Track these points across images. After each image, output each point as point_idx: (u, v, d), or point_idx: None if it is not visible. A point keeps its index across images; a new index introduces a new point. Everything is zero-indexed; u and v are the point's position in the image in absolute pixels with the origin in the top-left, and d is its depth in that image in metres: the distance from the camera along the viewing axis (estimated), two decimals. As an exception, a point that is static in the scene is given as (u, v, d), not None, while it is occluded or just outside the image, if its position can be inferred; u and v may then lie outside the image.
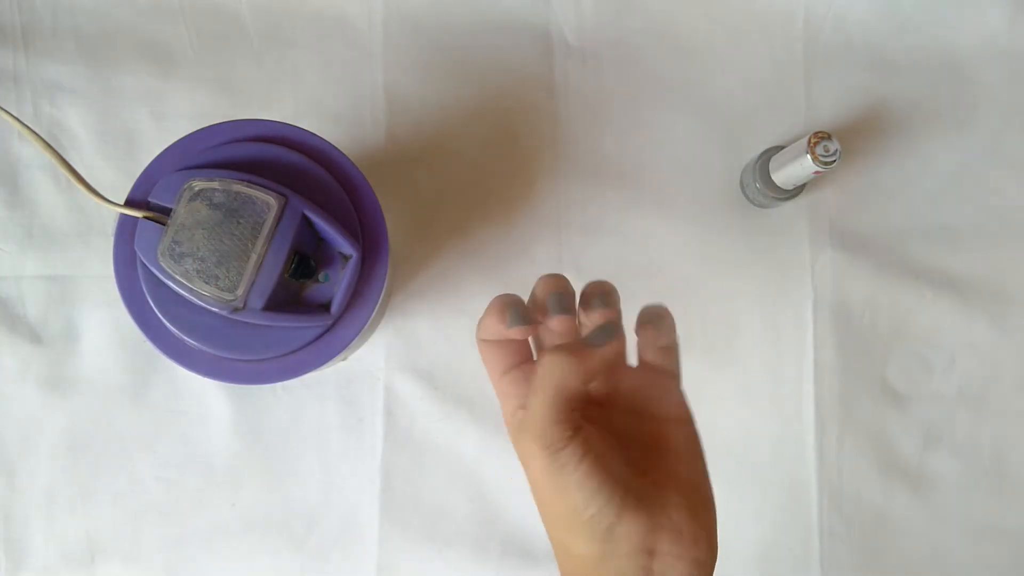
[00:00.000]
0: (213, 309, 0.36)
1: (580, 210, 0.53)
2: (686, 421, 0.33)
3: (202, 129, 0.39)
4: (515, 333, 0.31)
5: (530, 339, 0.34)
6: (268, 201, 0.35)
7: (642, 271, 0.52)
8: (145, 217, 0.36)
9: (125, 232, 0.37)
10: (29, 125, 0.46)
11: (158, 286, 0.37)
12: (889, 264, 0.53)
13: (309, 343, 0.38)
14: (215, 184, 0.35)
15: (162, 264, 0.34)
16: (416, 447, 0.51)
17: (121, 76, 0.51)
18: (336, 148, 0.40)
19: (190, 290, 0.35)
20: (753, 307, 0.53)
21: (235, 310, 0.35)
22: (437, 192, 0.52)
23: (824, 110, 0.54)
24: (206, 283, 0.34)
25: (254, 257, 0.35)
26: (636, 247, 0.53)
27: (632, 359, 0.34)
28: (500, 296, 0.32)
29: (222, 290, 0.34)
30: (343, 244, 0.37)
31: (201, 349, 0.37)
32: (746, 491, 0.52)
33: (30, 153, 0.51)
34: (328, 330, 0.38)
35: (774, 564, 0.52)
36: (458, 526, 0.51)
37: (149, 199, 0.36)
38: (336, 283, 0.38)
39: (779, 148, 0.51)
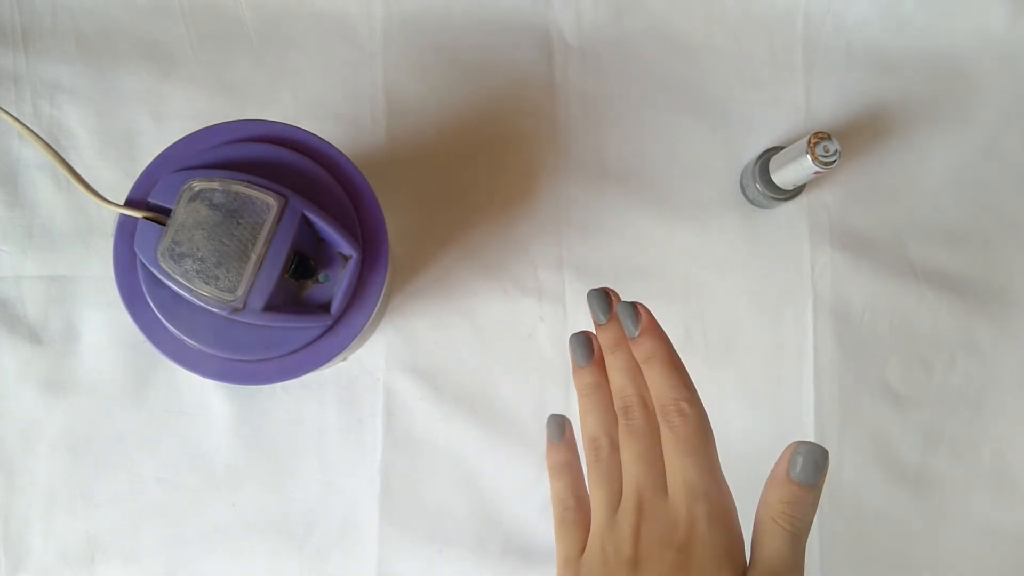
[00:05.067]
0: (213, 310, 0.36)
1: (580, 210, 0.53)
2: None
3: (202, 129, 0.39)
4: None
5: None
6: (268, 201, 0.35)
7: (642, 271, 0.52)
8: (145, 217, 0.36)
9: (125, 232, 0.37)
10: (29, 125, 0.47)
11: (158, 286, 0.37)
12: (889, 264, 0.53)
13: (309, 343, 0.38)
14: (215, 184, 0.35)
15: (162, 264, 0.34)
16: (416, 447, 0.51)
17: (121, 76, 0.51)
18: (336, 148, 0.40)
19: (190, 291, 0.35)
20: (753, 307, 0.53)
21: (235, 310, 0.35)
22: (437, 192, 0.52)
23: (824, 110, 0.54)
24: (206, 283, 0.34)
25: (254, 257, 0.35)
26: (636, 247, 0.53)
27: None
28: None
29: (222, 290, 0.34)
30: (343, 244, 0.37)
31: (201, 349, 0.37)
32: (746, 491, 0.52)
33: (30, 153, 0.51)
34: (328, 330, 0.38)
35: (774, 564, 0.52)
36: (458, 526, 0.51)
37: (149, 199, 0.36)
38: (336, 283, 0.38)
39: (779, 148, 0.51)
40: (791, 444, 0.33)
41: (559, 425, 0.39)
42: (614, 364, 0.36)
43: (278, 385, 0.51)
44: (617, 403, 0.35)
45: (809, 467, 0.31)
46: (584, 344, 0.37)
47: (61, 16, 0.51)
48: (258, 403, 0.51)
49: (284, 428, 0.51)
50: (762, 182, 0.50)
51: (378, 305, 0.40)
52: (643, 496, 0.33)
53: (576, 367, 0.37)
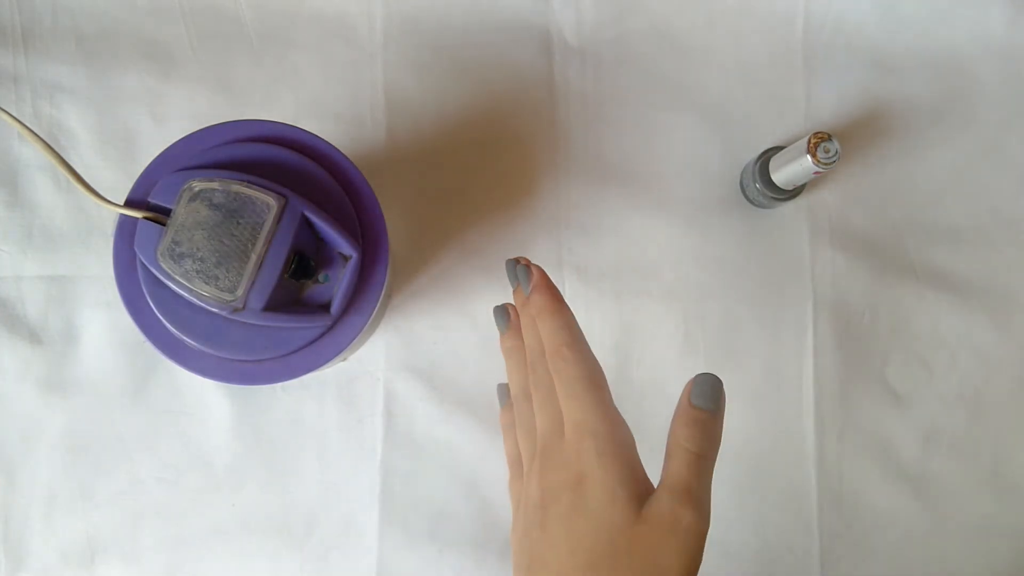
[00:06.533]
0: (213, 309, 0.36)
1: (580, 210, 0.53)
2: None
3: (202, 129, 0.39)
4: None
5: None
6: (268, 201, 0.35)
7: (642, 271, 0.52)
8: (145, 217, 0.36)
9: (125, 232, 0.37)
10: (29, 125, 0.47)
11: (158, 286, 0.37)
12: (889, 264, 0.53)
13: (309, 343, 0.38)
14: (215, 184, 0.35)
15: (162, 264, 0.34)
16: (416, 447, 0.51)
17: (121, 76, 0.51)
18: (336, 148, 0.40)
19: (190, 290, 0.35)
20: (753, 307, 0.53)
21: (235, 310, 0.35)
22: (437, 192, 0.52)
23: (824, 110, 0.54)
24: (206, 283, 0.34)
25: (254, 257, 0.35)
26: (636, 247, 0.53)
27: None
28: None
29: (222, 290, 0.34)
30: (343, 244, 0.37)
31: (201, 349, 0.37)
32: (746, 492, 0.52)
33: (30, 153, 0.51)
34: (328, 330, 0.38)
35: (774, 564, 0.52)
36: (458, 526, 0.51)
37: (149, 199, 0.36)
38: (336, 283, 0.38)
39: (779, 148, 0.51)
40: (692, 378, 0.35)
41: (501, 393, 0.43)
42: (523, 323, 0.39)
43: (278, 385, 0.51)
44: (528, 360, 0.38)
45: (707, 392, 0.34)
46: (502, 313, 0.41)
47: (61, 16, 0.51)
48: (258, 403, 0.51)
49: (284, 428, 0.51)
50: (762, 182, 0.50)
51: (378, 305, 0.40)
52: (545, 442, 0.35)
53: (500, 335, 0.41)
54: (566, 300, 0.39)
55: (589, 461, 0.33)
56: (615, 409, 0.35)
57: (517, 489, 0.39)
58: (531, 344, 0.38)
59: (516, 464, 0.40)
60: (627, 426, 0.35)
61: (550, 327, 0.37)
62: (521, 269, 0.39)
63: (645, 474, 0.34)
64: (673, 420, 0.35)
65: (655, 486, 0.34)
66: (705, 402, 0.34)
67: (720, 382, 0.34)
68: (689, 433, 0.33)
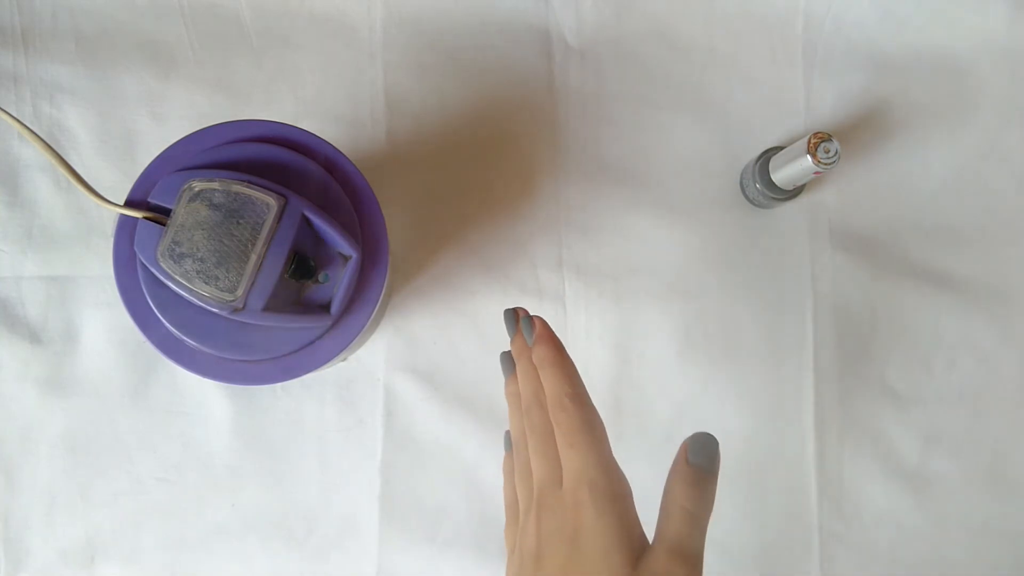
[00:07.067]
0: (213, 310, 0.36)
1: (580, 210, 0.53)
2: None
3: (202, 129, 0.39)
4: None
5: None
6: (268, 201, 0.35)
7: (642, 271, 0.52)
8: (145, 218, 0.36)
9: (125, 233, 0.37)
10: (29, 125, 0.47)
11: (158, 287, 0.37)
12: (889, 264, 0.53)
13: (309, 344, 0.38)
14: (215, 185, 0.35)
15: (162, 265, 0.34)
16: (416, 447, 0.51)
17: (121, 76, 0.51)
18: (336, 148, 0.40)
19: (190, 291, 0.35)
20: (753, 307, 0.53)
21: (235, 311, 0.35)
22: (437, 192, 0.52)
23: (824, 110, 0.54)
24: (206, 284, 0.34)
25: (254, 257, 0.35)
26: (636, 247, 0.53)
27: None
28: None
29: (222, 291, 0.34)
30: (343, 244, 0.37)
31: (201, 350, 0.37)
32: (746, 492, 0.52)
33: (30, 153, 0.51)
34: (328, 331, 0.38)
35: (774, 564, 0.52)
36: (458, 526, 0.51)
37: (149, 199, 0.36)
38: (336, 283, 0.38)
39: (779, 148, 0.51)
40: (688, 437, 0.35)
41: (507, 440, 0.43)
42: (519, 371, 0.40)
43: (278, 385, 0.51)
44: (523, 406, 0.39)
45: (704, 451, 0.34)
46: (506, 360, 0.43)
47: (61, 16, 0.51)
48: (258, 403, 0.51)
49: (284, 428, 0.51)
50: (762, 182, 0.50)
51: (378, 305, 0.40)
52: (542, 490, 0.35)
53: (505, 380, 0.42)
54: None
55: (586, 514, 0.33)
56: (613, 460, 0.35)
57: (512, 535, 0.39)
58: (525, 390, 0.39)
59: (513, 509, 0.40)
60: (625, 477, 0.35)
61: (552, 378, 0.37)
62: (524, 321, 0.40)
63: (641, 527, 0.34)
64: (669, 477, 0.35)
65: (648, 538, 0.34)
66: (702, 461, 0.34)
67: (716, 442, 0.35)
68: (686, 493, 0.34)
